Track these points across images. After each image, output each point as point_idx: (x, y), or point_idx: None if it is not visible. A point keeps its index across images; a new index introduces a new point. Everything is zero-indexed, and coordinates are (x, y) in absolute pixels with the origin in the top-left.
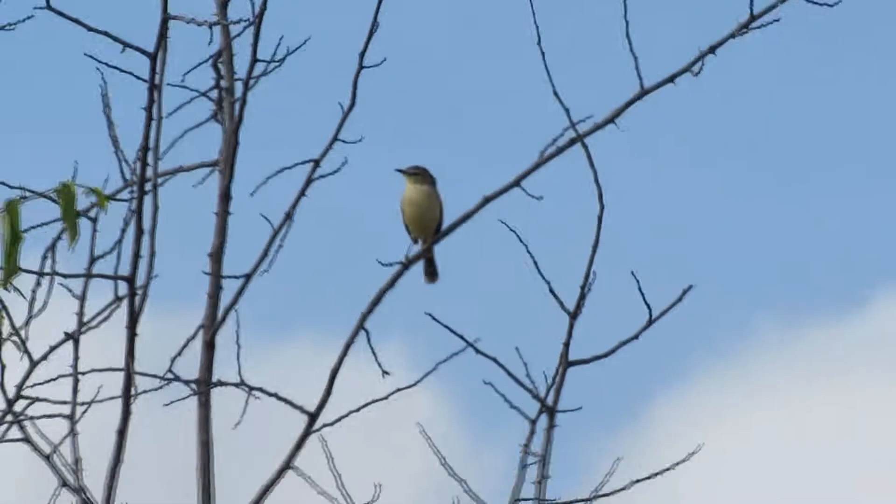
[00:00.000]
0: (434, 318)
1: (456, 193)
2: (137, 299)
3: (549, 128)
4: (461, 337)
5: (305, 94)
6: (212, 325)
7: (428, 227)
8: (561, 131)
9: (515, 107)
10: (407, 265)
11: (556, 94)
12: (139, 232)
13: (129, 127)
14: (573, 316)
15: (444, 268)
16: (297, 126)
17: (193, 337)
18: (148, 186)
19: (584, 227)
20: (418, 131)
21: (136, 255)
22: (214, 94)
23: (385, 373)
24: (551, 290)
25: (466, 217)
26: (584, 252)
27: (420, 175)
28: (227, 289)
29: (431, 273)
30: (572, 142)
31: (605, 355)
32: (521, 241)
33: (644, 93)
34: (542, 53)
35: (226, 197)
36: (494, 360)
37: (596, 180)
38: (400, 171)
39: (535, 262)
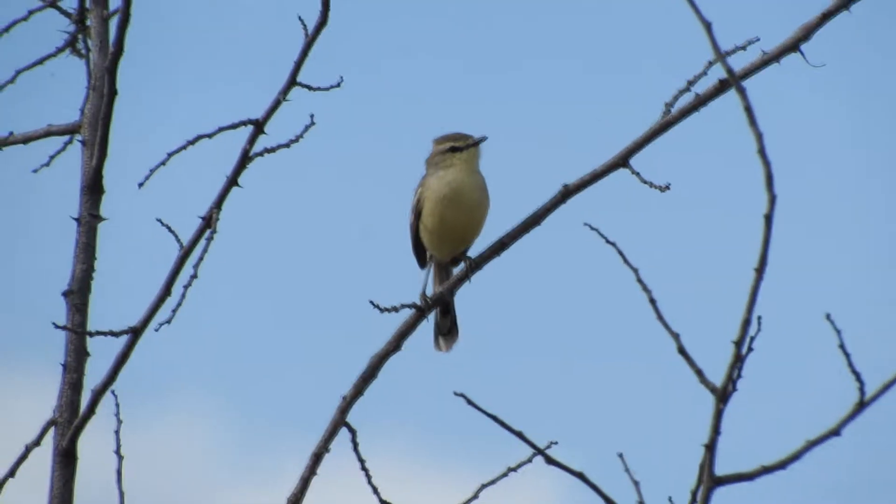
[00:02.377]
0: (479, 408)
1: None
2: None
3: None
4: (534, 447)
5: (232, 7)
6: (71, 423)
7: (470, 238)
8: (702, 68)
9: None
10: (424, 310)
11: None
12: None
13: None
14: (723, 396)
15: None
16: (220, 65)
17: (37, 442)
18: None
19: (721, 233)
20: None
21: None
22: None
23: None
24: (682, 350)
25: (536, 220)
26: (735, 283)
27: (475, 149)
28: (97, 354)
29: (448, 329)
30: (723, 85)
31: (781, 465)
32: (626, 261)
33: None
34: None
35: (94, 189)
36: (596, 489)
37: (762, 150)
38: (454, 145)
39: (654, 303)
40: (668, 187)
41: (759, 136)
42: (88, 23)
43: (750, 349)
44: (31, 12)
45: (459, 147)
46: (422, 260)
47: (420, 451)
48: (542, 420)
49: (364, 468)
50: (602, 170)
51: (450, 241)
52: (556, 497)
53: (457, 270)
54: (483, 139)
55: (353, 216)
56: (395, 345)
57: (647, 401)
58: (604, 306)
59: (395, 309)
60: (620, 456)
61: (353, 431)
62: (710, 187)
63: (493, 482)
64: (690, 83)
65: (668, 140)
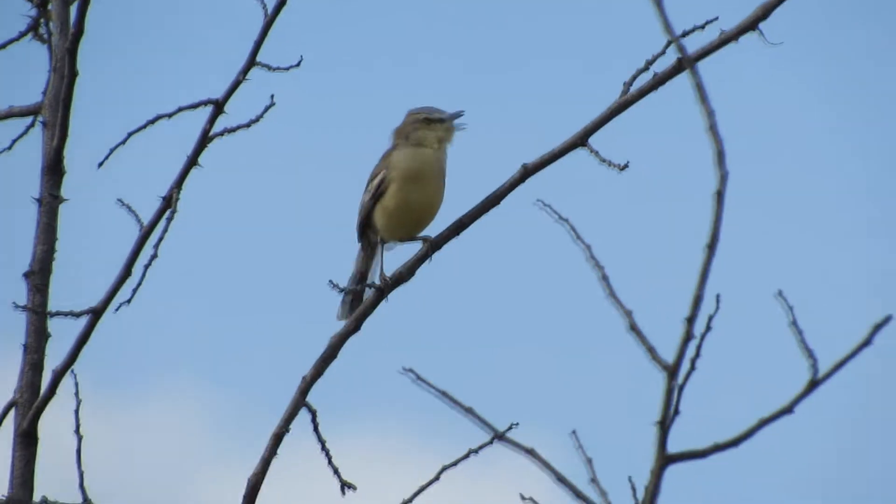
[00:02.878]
0: (429, 385)
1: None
2: None
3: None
4: (487, 424)
5: None
6: (31, 404)
7: (428, 219)
8: (662, 48)
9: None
10: (384, 290)
11: None
12: None
13: None
14: (672, 372)
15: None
16: (181, 45)
17: None
18: None
19: (682, 213)
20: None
21: None
22: None
23: (348, 486)
24: (633, 327)
25: (496, 200)
26: (686, 258)
27: (447, 128)
28: (57, 335)
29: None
30: (677, 67)
31: (734, 443)
32: (578, 237)
33: None
34: None
35: (55, 170)
36: (547, 465)
37: (712, 127)
38: (428, 117)
39: (606, 279)
40: (626, 166)
41: (711, 113)
42: (50, 7)
43: (708, 328)
44: None
45: (439, 119)
46: (364, 239)
47: (385, 433)
48: (500, 401)
49: (325, 449)
50: (561, 149)
51: (409, 224)
52: (516, 478)
53: (416, 250)
54: (460, 114)
55: (312, 197)
56: (355, 325)
57: (604, 380)
58: (561, 286)
59: (355, 290)
60: (573, 433)
61: (313, 412)
62: (670, 167)
63: (454, 464)
64: (649, 63)
65: (628, 120)
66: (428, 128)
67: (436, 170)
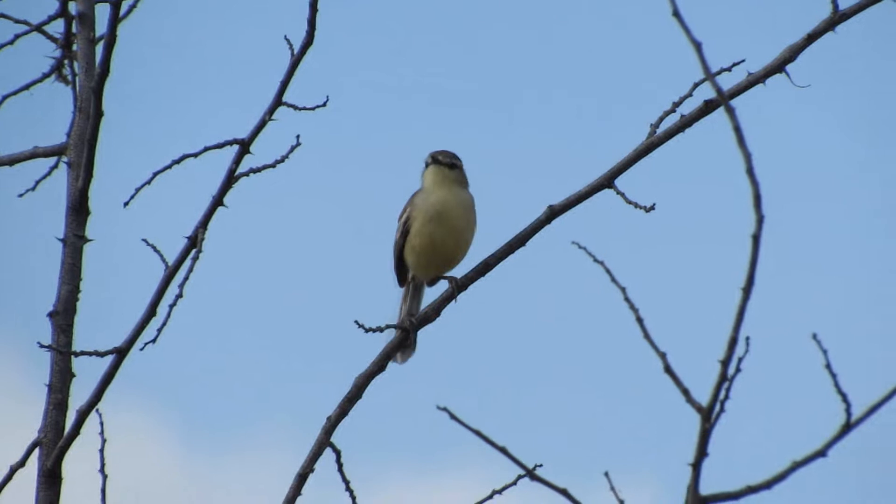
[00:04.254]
0: (462, 423)
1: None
2: None
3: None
4: (518, 463)
5: (217, 27)
6: (56, 443)
7: (456, 258)
8: (688, 90)
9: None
10: (409, 331)
11: (677, 14)
12: None
13: None
14: (707, 414)
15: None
16: (206, 85)
17: (22, 463)
18: None
19: (718, 257)
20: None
21: None
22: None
23: None
24: (668, 369)
25: (522, 241)
26: (723, 304)
27: (458, 169)
28: (82, 374)
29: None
30: (708, 106)
31: (767, 486)
32: (613, 280)
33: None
34: None
35: (80, 210)
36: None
37: (750, 170)
38: (437, 160)
39: (641, 321)
40: (652, 207)
41: (748, 157)
42: (75, 48)
43: (738, 370)
44: (17, 36)
45: (425, 162)
46: (402, 279)
47: (409, 471)
48: (529, 438)
49: (349, 489)
50: (587, 190)
51: (437, 263)
52: None
53: (442, 291)
54: (433, 161)
55: (339, 237)
56: (380, 365)
57: (635, 420)
58: (587, 326)
59: (381, 329)
60: (606, 475)
61: (337, 452)
62: (694, 208)
63: (482, 502)
64: (676, 104)
65: (653, 161)
66: (426, 170)
67: (454, 208)
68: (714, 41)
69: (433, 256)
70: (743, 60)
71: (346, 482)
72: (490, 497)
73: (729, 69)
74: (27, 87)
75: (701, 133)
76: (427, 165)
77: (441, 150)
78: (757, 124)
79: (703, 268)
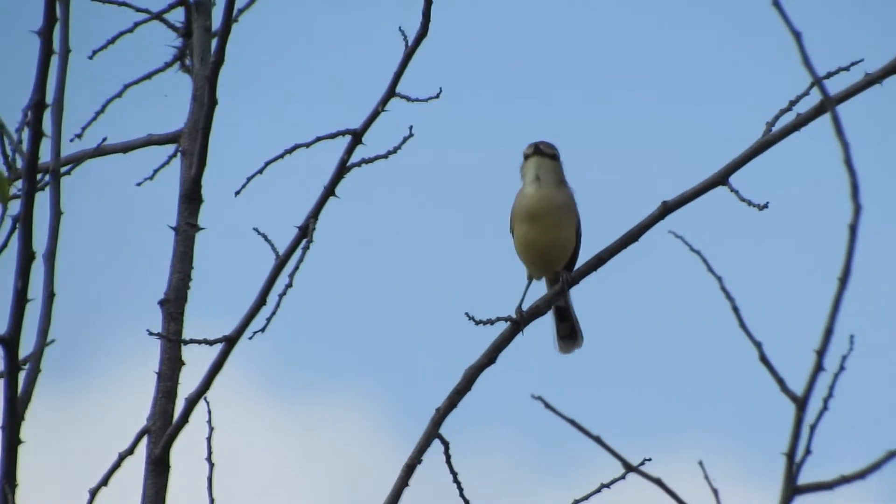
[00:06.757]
0: (557, 412)
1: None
2: (22, 377)
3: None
4: (615, 454)
5: (332, 18)
6: (164, 431)
7: (558, 258)
8: (805, 88)
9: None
10: (520, 324)
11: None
12: (26, 259)
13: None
14: (802, 404)
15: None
16: (318, 77)
17: (131, 451)
18: (46, 179)
19: (814, 249)
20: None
21: (20, 304)
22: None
23: None
24: (763, 358)
25: (635, 236)
26: (819, 292)
27: (555, 161)
28: (192, 362)
29: (569, 334)
30: (820, 108)
31: (861, 475)
32: (710, 269)
33: None
34: None
35: (193, 198)
36: (673, 494)
37: (848, 162)
38: (539, 150)
39: (737, 311)
40: (766, 206)
41: (846, 146)
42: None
43: (842, 367)
44: (136, 24)
45: (524, 154)
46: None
47: (516, 463)
48: (629, 429)
49: (456, 480)
50: (702, 187)
51: (538, 261)
52: None
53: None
54: (535, 151)
55: (450, 228)
56: (490, 358)
57: (730, 409)
58: (692, 319)
59: (491, 322)
60: (700, 464)
61: (445, 444)
62: (803, 205)
63: (585, 498)
64: (792, 103)
65: (763, 160)
66: (525, 163)
67: (545, 209)
68: (830, 40)
69: (530, 256)
70: (861, 60)
71: (454, 473)
72: (598, 491)
73: (847, 68)
74: (149, 76)
75: (815, 132)
76: (526, 158)
77: (542, 141)
78: (870, 122)
79: (812, 267)
